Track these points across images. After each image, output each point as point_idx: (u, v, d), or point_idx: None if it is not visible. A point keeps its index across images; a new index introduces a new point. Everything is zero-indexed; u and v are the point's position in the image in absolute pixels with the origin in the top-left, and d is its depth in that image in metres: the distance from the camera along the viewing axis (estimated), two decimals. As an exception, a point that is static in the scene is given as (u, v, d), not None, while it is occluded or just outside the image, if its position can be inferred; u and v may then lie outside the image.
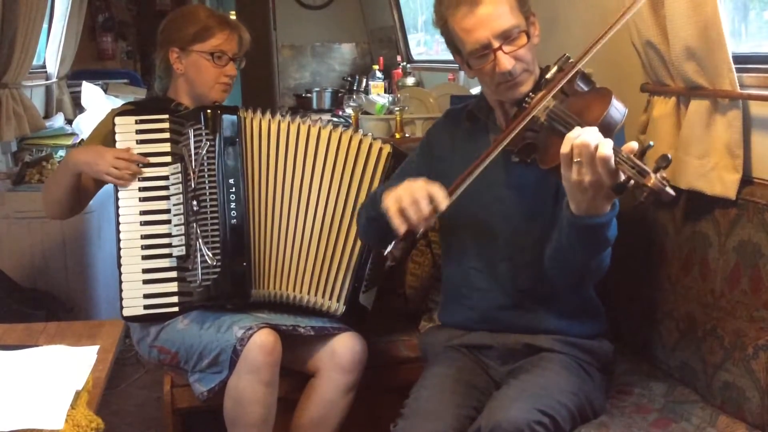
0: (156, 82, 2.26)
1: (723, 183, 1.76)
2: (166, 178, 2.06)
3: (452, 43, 1.77)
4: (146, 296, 2.03)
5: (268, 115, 2.13)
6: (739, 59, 1.77)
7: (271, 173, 2.11)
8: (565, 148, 1.42)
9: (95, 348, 1.53)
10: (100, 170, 2.02)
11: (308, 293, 2.13)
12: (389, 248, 1.66)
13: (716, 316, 1.77)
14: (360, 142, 2.16)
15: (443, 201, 1.58)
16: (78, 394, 1.33)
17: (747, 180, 1.76)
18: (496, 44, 1.66)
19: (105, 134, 2.11)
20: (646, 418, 1.74)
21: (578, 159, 1.39)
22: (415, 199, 1.58)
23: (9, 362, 1.45)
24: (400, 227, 1.59)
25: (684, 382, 1.87)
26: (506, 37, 1.66)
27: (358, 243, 2.13)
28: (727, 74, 1.72)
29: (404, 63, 4.37)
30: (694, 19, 1.72)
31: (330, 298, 2.14)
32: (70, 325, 1.74)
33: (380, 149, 2.16)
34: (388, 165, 2.16)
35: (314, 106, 5.53)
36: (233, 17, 2.28)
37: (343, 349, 2.04)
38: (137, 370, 3.14)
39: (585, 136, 1.38)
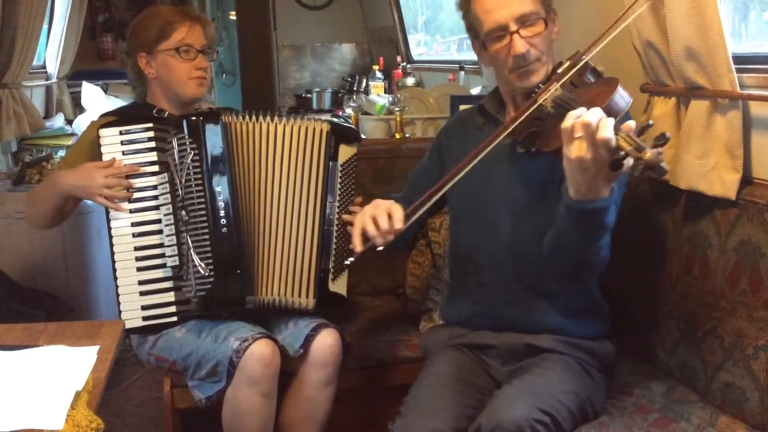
0: (134, 91, 2.25)
1: (723, 183, 1.76)
2: (154, 188, 2.03)
3: (472, 26, 1.80)
4: (144, 307, 2.02)
5: (249, 118, 2.08)
6: (739, 59, 1.77)
7: (255, 177, 2.09)
8: (566, 123, 1.43)
9: (95, 348, 1.52)
10: (93, 193, 2.01)
11: (278, 294, 2.09)
12: (349, 260, 1.84)
13: (716, 316, 1.77)
14: (306, 128, 2.10)
15: (399, 221, 1.70)
16: (78, 394, 1.33)
17: (747, 180, 1.77)
18: (513, 27, 1.70)
19: (88, 146, 2.09)
20: (646, 418, 1.74)
21: (579, 134, 1.40)
22: (375, 216, 1.71)
23: (9, 362, 1.45)
24: (359, 244, 1.74)
25: (684, 382, 1.87)
26: (524, 21, 1.70)
27: (316, 232, 2.10)
28: (727, 74, 1.72)
29: (404, 63, 4.37)
30: (694, 19, 1.72)
31: (300, 295, 2.09)
32: (70, 325, 1.73)
33: (321, 130, 2.11)
34: (330, 143, 2.11)
35: (314, 106, 5.52)
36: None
37: (316, 346, 2.01)
38: (137, 370, 3.13)
39: (587, 114, 1.39)
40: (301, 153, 2.11)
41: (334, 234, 2.11)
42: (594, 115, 1.39)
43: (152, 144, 2.04)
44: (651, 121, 1.40)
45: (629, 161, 1.34)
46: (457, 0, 1.83)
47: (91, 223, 3.06)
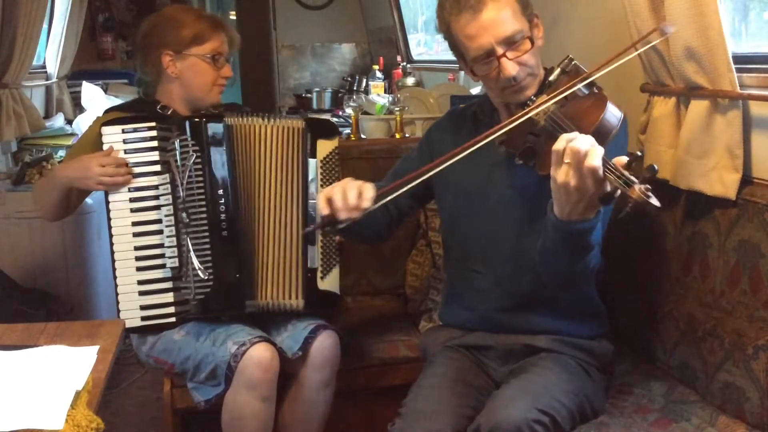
0: (141, 87, 2.24)
1: (723, 183, 1.76)
2: (156, 188, 2.02)
3: (456, 48, 1.75)
4: (143, 307, 2.01)
5: (254, 120, 2.08)
6: (739, 59, 1.77)
7: (248, 180, 2.07)
8: (558, 145, 1.41)
9: (95, 348, 1.53)
10: (90, 183, 2.00)
11: (269, 297, 2.08)
12: (308, 228, 1.96)
13: (716, 316, 1.78)
14: (282, 128, 2.09)
15: (368, 200, 1.65)
16: (78, 394, 1.33)
17: (747, 180, 1.76)
18: (499, 50, 1.65)
19: (91, 142, 2.08)
20: (646, 418, 1.74)
21: (568, 160, 1.39)
22: (345, 189, 1.65)
23: (9, 362, 1.45)
24: (323, 209, 1.67)
25: (684, 382, 1.87)
26: (510, 42, 1.65)
27: (299, 232, 2.09)
28: (727, 74, 1.72)
29: (404, 63, 4.37)
30: (694, 19, 1.72)
31: (289, 297, 2.08)
32: (70, 325, 1.73)
33: (296, 128, 2.11)
34: (306, 140, 2.11)
35: (314, 106, 5.53)
36: (231, 17, 2.26)
37: (315, 348, 2.01)
38: (137, 370, 3.13)
39: (578, 142, 1.38)
40: (281, 153, 2.10)
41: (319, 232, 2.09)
42: (584, 142, 1.37)
43: (154, 143, 2.03)
44: (639, 152, 1.39)
45: (618, 194, 1.34)
46: (435, 24, 1.77)
47: (91, 223, 3.06)
